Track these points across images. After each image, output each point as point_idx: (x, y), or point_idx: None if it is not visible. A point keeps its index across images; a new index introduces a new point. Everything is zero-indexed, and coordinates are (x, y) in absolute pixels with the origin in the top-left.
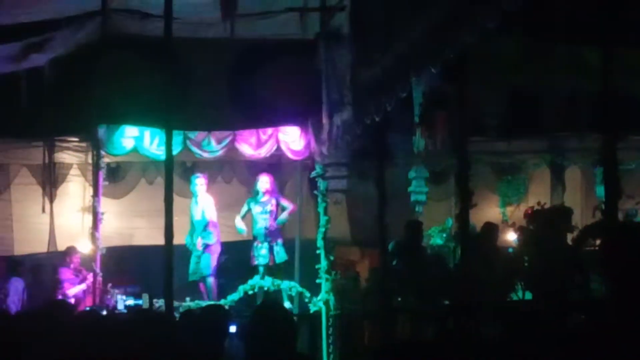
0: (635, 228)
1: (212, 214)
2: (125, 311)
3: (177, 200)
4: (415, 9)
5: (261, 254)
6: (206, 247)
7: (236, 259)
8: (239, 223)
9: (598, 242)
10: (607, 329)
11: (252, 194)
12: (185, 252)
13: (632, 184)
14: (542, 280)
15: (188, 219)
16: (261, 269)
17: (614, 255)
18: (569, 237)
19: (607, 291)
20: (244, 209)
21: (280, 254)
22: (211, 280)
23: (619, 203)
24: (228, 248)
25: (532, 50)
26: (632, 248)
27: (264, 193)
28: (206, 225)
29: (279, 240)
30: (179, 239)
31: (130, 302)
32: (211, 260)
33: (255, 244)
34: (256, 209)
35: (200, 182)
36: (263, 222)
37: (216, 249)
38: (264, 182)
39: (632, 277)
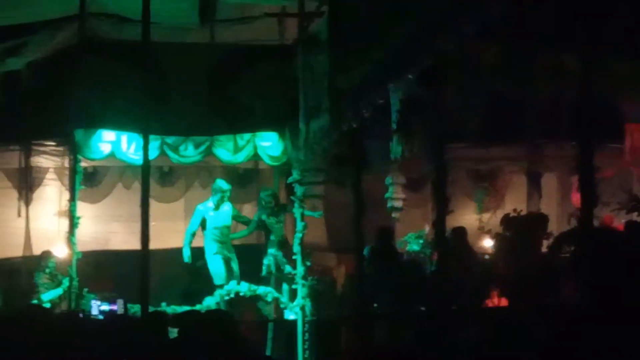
0: (608, 234)
1: None
2: (100, 316)
3: (154, 205)
4: (394, 16)
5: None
6: None
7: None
8: None
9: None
10: (581, 334)
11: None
12: (166, 257)
13: (608, 192)
14: (517, 287)
15: (166, 224)
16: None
17: (586, 261)
18: (545, 244)
19: (581, 296)
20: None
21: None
22: None
23: (595, 210)
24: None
25: (512, 57)
26: (605, 254)
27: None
28: None
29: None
30: (155, 244)
31: (105, 307)
32: None
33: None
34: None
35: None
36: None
37: None
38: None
39: (605, 282)
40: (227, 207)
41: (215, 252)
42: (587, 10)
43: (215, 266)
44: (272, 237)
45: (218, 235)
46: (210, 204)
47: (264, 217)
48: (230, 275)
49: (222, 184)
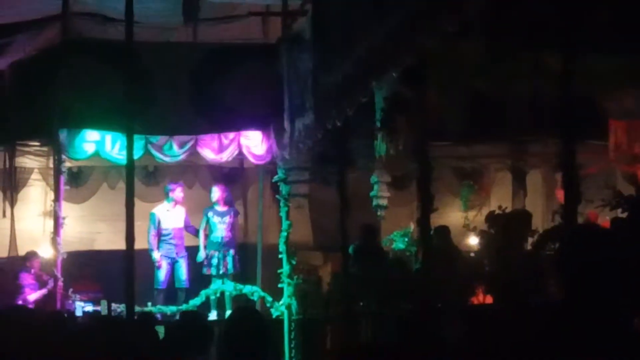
0: (590, 231)
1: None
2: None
3: (139, 205)
4: (376, 14)
5: (213, 264)
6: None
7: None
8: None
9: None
10: (565, 331)
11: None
12: (147, 257)
13: (592, 189)
14: (502, 284)
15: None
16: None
17: (568, 259)
18: (529, 241)
19: (563, 294)
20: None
21: (230, 265)
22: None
23: (579, 207)
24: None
25: (494, 54)
26: (587, 251)
27: (219, 202)
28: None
29: (232, 251)
30: (141, 243)
31: (89, 308)
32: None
33: (209, 253)
34: (215, 219)
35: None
36: (220, 231)
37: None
38: (216, 192)
39: (587, 280)
40: (180, 210)
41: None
42: (568, 7)
43: (157, 269)
44: (211, 237)
45: (168, 237)
46: (165, 205)
47: (209, 213)
48: (171, 279)
49: (171, 186)
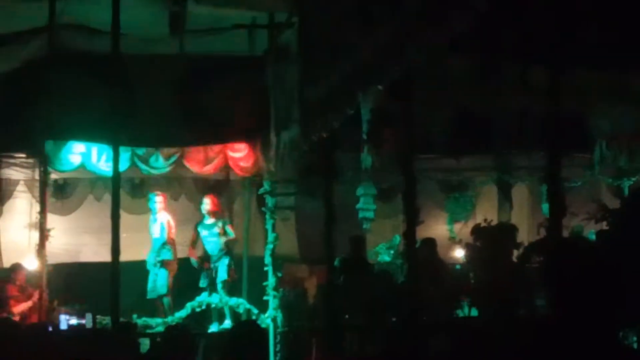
0: (576, 244)
1: (170, 232)
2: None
3: (125, 217)
4: (363, 27)
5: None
6: (162, 264)
7: (184, 276)
8: (192, 255)
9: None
10: (551, 345)
11: (200, 216)
12: (138, 269)
13: (578, 202)
14: (487, 297)
15: (137, 235)
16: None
17: (555, 272)
18: (515, 254)
19: (550, 307)
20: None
21: (221, 273)
22: (168, 299)
23: (564, 220)
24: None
25: (480, 69)
26: (573, 264)
27: (209, 215)
28: (164, 243)
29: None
30: (127, 255)
31: (74, 321)
32: (168, 278)
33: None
34: (203, 232)
35: (158, 200)
36: (211, 244)
37: (173, 267)
38: (207, 203)
39: (573, 293)
40: (163, 219)
41: (156, 263)
42: (554, 23)
43: (160, 276)
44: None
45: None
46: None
47: (198, 226)
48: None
49: (150, 195)
